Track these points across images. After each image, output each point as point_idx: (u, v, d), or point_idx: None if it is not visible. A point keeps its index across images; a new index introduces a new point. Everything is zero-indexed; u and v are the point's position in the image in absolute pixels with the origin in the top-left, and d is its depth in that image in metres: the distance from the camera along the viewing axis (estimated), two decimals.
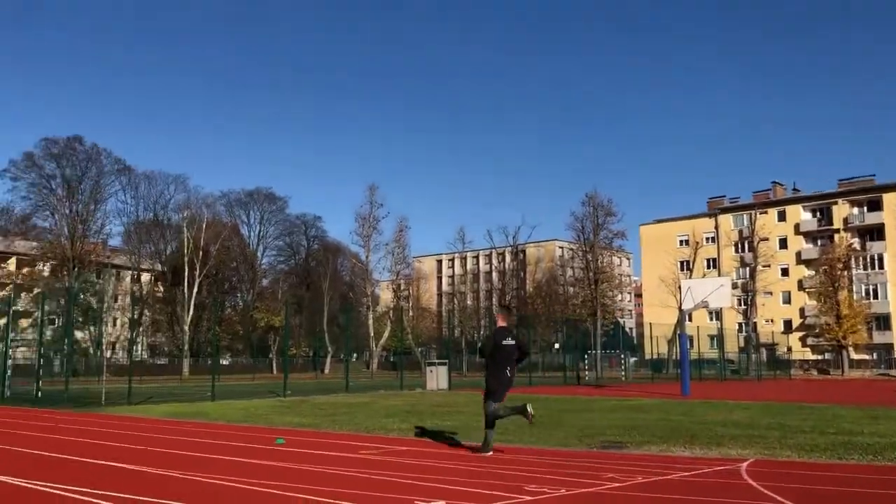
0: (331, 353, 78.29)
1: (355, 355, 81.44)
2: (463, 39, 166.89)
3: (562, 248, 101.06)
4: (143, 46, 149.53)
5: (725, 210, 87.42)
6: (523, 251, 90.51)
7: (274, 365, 73.93)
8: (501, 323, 10.10)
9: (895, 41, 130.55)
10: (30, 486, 7.06)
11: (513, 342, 9.74)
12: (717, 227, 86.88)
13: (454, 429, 12.84)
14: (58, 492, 6.69)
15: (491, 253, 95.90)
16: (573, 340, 51.43)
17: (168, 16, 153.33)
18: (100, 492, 6.60)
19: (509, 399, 10.06)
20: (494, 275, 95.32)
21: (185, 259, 71.60)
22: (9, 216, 75.64)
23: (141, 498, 6.31)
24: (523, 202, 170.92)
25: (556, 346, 69.40)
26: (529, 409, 9.52)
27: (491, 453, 9.32)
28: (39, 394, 22.04)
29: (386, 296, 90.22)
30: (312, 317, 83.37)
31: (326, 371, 72.72)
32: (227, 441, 11.31)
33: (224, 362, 71.09)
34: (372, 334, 71.46)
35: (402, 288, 79.31)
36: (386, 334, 72.50)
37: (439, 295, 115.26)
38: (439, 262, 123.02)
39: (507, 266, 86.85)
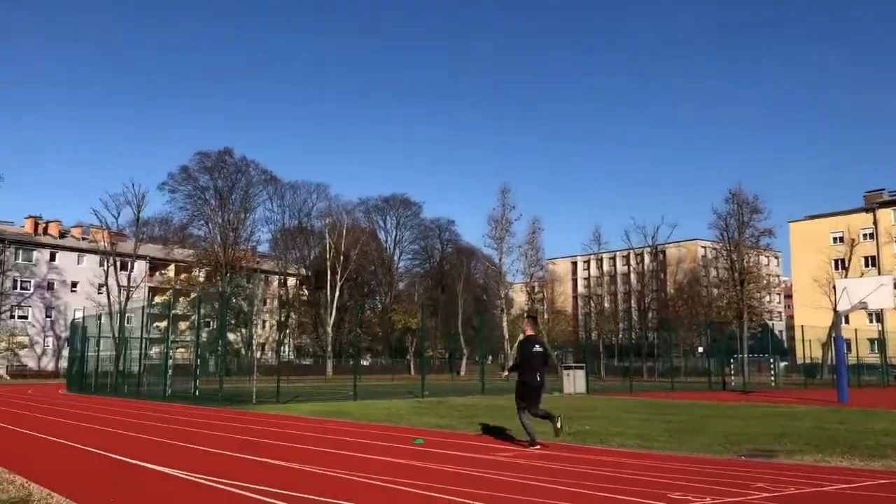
0: (466, 354, 79.04)
1: (490, 357, 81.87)
2: (594, 37, 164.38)
3: (704, 247, 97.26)
4: (282, 61, 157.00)
5: (885, 204, 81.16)
6: (663, 251, 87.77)
7: (412, 366, 75.50)
8: (529, 332, 10.84)
9: None
10: (198, 480, 7.54)
11: (540, 349, 10.44)
12: (875, 223, 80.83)
13: (592, 433, 12.62)
14: (224, 487, 7.11)
15: (628, 254, 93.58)
16: (718, 344, 49.34)
17: (301, 32, 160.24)
18: (254, 486, 6.97)
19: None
20: (633, 276, 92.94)
21: (328, 264, 74.58)
22: (168, 226, 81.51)
23: (292, 493, 6.59)
24: (662, 200, 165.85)
25: (700, 349, 66.85)
26: (558, 423, 10.29)
27: (538, 447, 10.15)
28: (197, 392, 23.47)
29: (520, 298, 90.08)
30: (447, 319, 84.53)
31: (462, 373, 73.49)
32: (369, 440, 11.64)
33: (364, 363, 73.41)
34: (507, 337, 71.53)
35: (536, 290, 78.93)
36: (520, 337, 72.43)
37: (575, 297, 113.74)
38: (574, 263, 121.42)
39: (645, 267, 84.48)
